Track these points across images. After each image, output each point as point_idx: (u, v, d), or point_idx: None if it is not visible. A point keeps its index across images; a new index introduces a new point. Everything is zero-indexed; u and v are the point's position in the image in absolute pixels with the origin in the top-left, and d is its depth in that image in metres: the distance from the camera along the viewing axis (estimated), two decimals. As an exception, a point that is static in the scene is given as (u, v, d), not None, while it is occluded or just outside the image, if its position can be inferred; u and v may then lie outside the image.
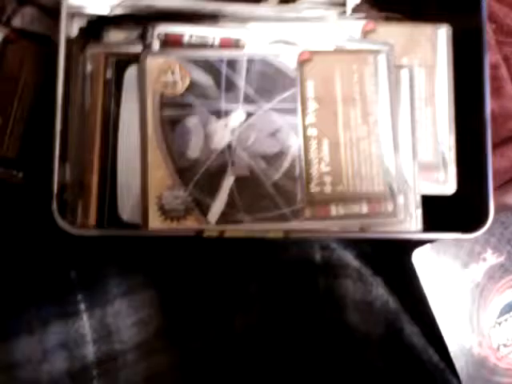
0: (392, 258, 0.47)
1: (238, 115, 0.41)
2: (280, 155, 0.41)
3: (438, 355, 0.46)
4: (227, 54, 0.42)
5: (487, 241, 0.46)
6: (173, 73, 0.41)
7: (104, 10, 0.42)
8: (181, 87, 0.41)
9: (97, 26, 0.42)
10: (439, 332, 0.45)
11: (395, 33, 0.44)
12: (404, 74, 0.43)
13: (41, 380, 0.42)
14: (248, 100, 0.41)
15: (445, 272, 0.46)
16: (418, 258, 0.46)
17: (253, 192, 0.41)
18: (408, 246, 0.46)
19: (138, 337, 0.44)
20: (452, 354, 0.45)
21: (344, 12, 0.45)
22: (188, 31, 0.42)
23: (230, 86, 0.41)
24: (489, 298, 0.46)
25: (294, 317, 0.46)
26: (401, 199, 0.41)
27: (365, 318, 0.46)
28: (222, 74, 0.41)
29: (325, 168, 0.41)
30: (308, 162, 0.41)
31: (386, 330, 0.46)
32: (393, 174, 0.41)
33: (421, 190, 0.43)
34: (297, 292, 0.46)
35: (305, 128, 0.42)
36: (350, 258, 0.47)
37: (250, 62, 0.42)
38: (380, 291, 0.47)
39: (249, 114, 0.41)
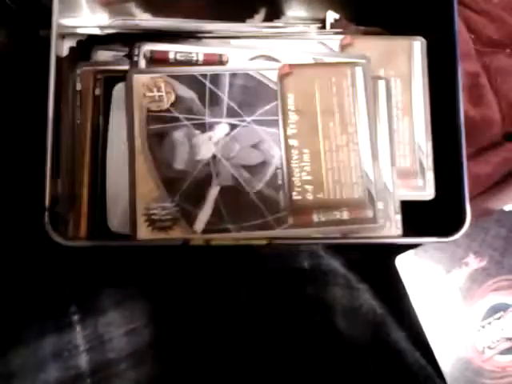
0: (377, 265, 0.48)
1: (221, 128, 0.43)
2: (263, 165, 0.42)
3: (424, 359, 0.46)
4: (210, 69, 0.43)
5: (469, 246, 0.47)
6: (158, 89, 0.42)
7: (93, 30, 0.43)
8: (166, 102, 0.42)
9: (86, 46, 0.43)
10: (425, 336, 0.46)
11: (372, 46, 0.45)
12: (381, 85, 0.44)
13: None
14: (231, 113, 0.43)
15: (428, 277, 0.47)
16: (402, 263, 0.46)
17: (237, 201, 0.42)
18: (392, 252, 0.47)
19: (130, 346, 0.44)
20: (438, 358, 0.46)
21: (323, 27, 0.47)
22: (173, 49, 0.43)
23: (214, 100, 0.43)
24: (472, 301, 0.47)
25: (283, 324, 0.46)
26: (380, 205, 0.42)
27: (352, 323, 0.47)
28: (205, 89, 0.43)
29: (306, 177, 0.42)
30: (290, 172, 0.42)
31: (372, 334, 0.47)
32: (372, 181, 0.42)
33: (400, 196, 0.44)
34: (285, 299, 0.47)
35: (286, 139, 0.43)
36: (337, 265, 0.48)
37: (233, 76, 0.43)
38: (366, 297, 0.47)
39: (232, 127, 0.43)
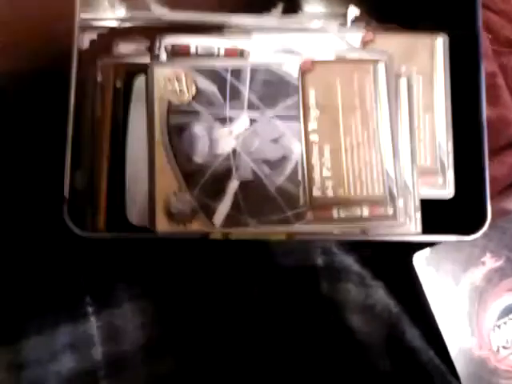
0: (393, 262, 0.47)
1: (242, 122, 0.42)
2: (283, 160, 0.42)
3: (439, 357, 0.46)
4: (232, 63, 0.43)
5: (486, 245, 0.47)
6: (179, 82, 0.42)
7: (114, 23, 0.43)
8: (187, 95, 0.42)
9: (107, 39, 0.43)
10: (440, 334, 0.45)
11: (394, 42, 0.45)
12: (403, 83, 0.44)
13: (49, 380, 0.43)
14: (252, 107, 0.42)
15: (445, 275, 0.46)
16: (419, 261, 0.46)
17: (257, 196, 0.41)
18: (408, 250, 0.46)
19: (144, 339, 0.44)
20: (452, 356, 0.45)
21: (344, 23, 0.46)
22: (194, 42, 0.43)
23: (235, 94, 0.42)
24: (488, 300, 0.46)
25: (296, 321, 0.46)
26: (400, 203, 0.42)
27: (367, 321, 0.46)
28: (226, 83, 0.42)
29: (326, 172, 0.42)
30: (310, 167, 0.42)
31: (387, 332, 0.46)
32: (392, 179, 0.42)
33: (420, 194, 0.43)
34: (299, 296, 0.46)
35: (307, 134, 0.42)
36: (351, 262, 0.47)
37: (254, 70, 0.43)
38: (381, 294, 0.47)
39: (253, 121, 0.42)
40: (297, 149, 0.42)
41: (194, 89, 0.42)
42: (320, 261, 0.47)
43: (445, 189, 0.44)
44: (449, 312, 0.45)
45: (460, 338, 0.45)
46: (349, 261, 0.47)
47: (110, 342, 0.43)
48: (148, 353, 0.44)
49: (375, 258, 0.48)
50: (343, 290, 0.46)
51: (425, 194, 0.43)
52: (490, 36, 0.54)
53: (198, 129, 0.42)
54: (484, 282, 0.46)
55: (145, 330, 0.44)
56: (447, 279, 0.46)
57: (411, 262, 0.46)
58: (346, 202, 0.41)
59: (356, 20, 0.46)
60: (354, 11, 0.46)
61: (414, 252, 0.46)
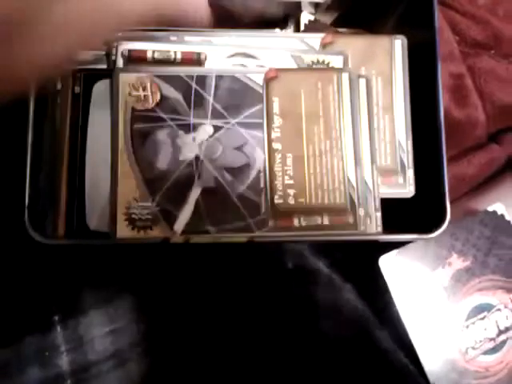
0: (361, 264, 0.46)
1: (205, 129, 0.40)
2: (246, 168, 0.40)
3: (408, 359, 0.45)
4: (197, 70, 0.41)
5: (452, 245, 0.46)
6: (144, 88, 0.40)
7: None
8: (151, 102, 0.40)
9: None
10: (408, 336, 0.44)
11: (353, 44, 0.43)
12: (362, 84, 0.42)
13: None
14: (216, 115, 0.40)
15: (412, 277, 0.45)
16: (385, 263, 0.45)
17: (218, 203, 0.40)
18: (375, 251, 0.45)
19: (112, 347, 0.42)
20: (421, 358, 0.44)
21: (298, 29, 0.45)
22: (151, 47, 0.41)
23: (199, 102, 0.40)
24: (456, 301, 0.45)
25: (267, 324, 0.45)
26: (361, 211, 0.40)
27: (336, 323, 0.45)
28: (191, 90, 0.40)
29: (288, 181, 0.40)
30: (272, 175, 0.40)
31: (356, 334, 0.45)
32: (354, 187, 0.40)
33: (380, 194, 0.41)
34: (269, 300, 0.45)
35: (270, 142, 0.40)
36: (321, 265, 0.46)
37: (219, 78, 0.41)
38: (350, 297, 0.46)
39: (216, 129, 0.40)
40: (260, 157, 0.40)
41: (158, 96, 0.40)
42: (291, 264, 0.46)
43: (405, 188, 0.42)
44: (417, 313, 0.44)
45: (428, 339, 0.44)
46: (319, 264, 0.46)
47: (77, 352, 0.42)
48: (117, 361, 0.42)
49: (344, 261, 0.46)
50: (314, 292, 0.45)
51: (385, 193, 0.42)
52: (457, 37, 0.53)
53: (162, 135, 0.40)
54: (452, 282, 0.45)
55: (113, 338, 0.43)
56: (414, 281, 0.45)
57: (378, 263, 0.44)
58: (307, 211, 0.40)
59: (312, 26, 0.45)
60: (307, 17, 0.44)
61: (380, 253, 0.45)
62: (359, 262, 0.46)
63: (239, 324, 0.44)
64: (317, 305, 0.45)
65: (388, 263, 0.45)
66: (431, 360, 0.44)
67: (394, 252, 0.45)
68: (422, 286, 0.45)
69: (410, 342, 0.44)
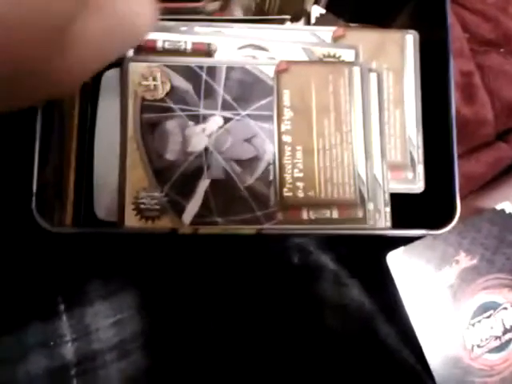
0: (367, 260, 0.45)
1: (215, 120, 0.40)
2: (255, 160, 0.39)
3: (413, 356, 0.44)
4: (207, 61, 0.40)
5: (460, 244, 0.45)
6: (154, 78, 0.40)
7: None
8: (161, 92, 0.40)
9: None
10: (414, 333, 0.43)
11: (364, 38, 0.43)
12: (373, 78, 0.42)
13: (19, 380, 0.40)
14: (226, 106, 0.40)
15: (419, 274, 0.44)
16: (392, 260, 0.44)
17: (227, 195, 0.39)
18: (382, 247, 0.44)
19: (117, 337, 0.42)
20: (427, 355, 0.43)
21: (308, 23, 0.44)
22: (161, 37, 0.40)
23: (209, 93, 0.40)
24: (462, 299, 0.44)
25: (271, 319, 0.44)
26: (371, 206, 0.39)
27: (341, 319, 0.44)
28: (201, 81, 0.40)
29: (298, 174, 0.39)
30: (282, 168, 0.40)
31: (361, 331, 0.44)
32: (364, 182, 0.39)
33: (390, 189, 0.41)
34: (274, 295, 0.44)
35: (280, 135, 0.40)
36: (326, 260, 0.46)
37: (229, 69, 0.40)
38: (356, 293, 0.45)
39: (226, 120, 0.40)
40: (269, 149, 0.40)
41: (168, 86, 0.40)
42: (296, 259, 0.45)
43: (415, 183, 0.42)
44: (423, 311, 0.43)
45: (434, 336, 0.43)
46: (325, 259, 0.45)
47: (82, 341, 0.41)
48: (121, 351, 0.42)
49: (350, 257, 0.46)
50: (319, 288, 0.45)
51: (395, 188, 0.41)
52: (466, 35, 0.53)
53: (171, 125, 0.39)
54: (458, 280, 0.44)
55: (118, 328, 0.42)
56: (421, 278, 0.44)
57: (386, 259, 0.44)
58: (316, 204, 0.39)
59: (323, 20, 0.44)
60: (318, 10, 0.43)
61: (388, 249, 0.44)
62: (366, 257, 0.46)
63: (244, 317, 0.44)
64: (323, 300, 0.44)
65: (395, 260, 0.44)
66: (436, 357, 0.43)
67: (402, 249, 0.44)
68: (429, 284, 0.44)
69: (415, 338, 0.43)
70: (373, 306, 0.45)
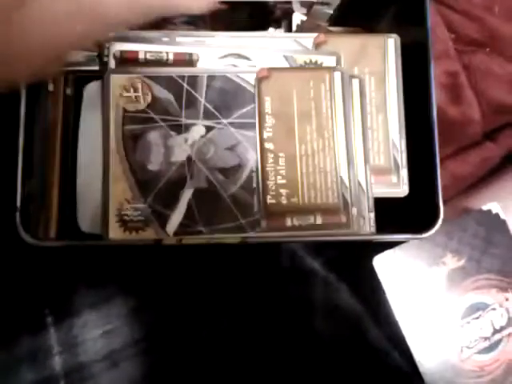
0: (356, 264, 0.45)
1: (197, 130, 0.40)
2: (238, 168, 0.39)
3: (403, 358, 0.44)
4: (188, 70, 0.40)
5: (447, 245, 0.45)
6: (135, 89, 0.40)
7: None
8: (143, 103, 0.39)
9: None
10: (403, 336, 0.43)
11: (346, 44, 0.42)
12: (355, 84, 0.41)
13: None
14: (208, 115, 0.40)
15: (406, 276, 0.44)
16: (379, 263, 0.44)
17: (211, 204, 0.39)
18: (369, 251, 0.44)
19: (105, 348, 0.42)
20: (416, 357, 0.43)
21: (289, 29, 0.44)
22: (143, 48, 0.40)
23: (191, 102, 0.40)
24: (451, 300, 0.44)
25: (263, 323, 0.44)
26: (354, 211, 0.39)
27: (331, 323, 0.44)
28: (182, 91, 0.40)
29: (281, 180, 0.39)
30: (265, 175, 0.39)
31: (351, 334, 0.44)
32: (347, 186, 0.39)
33: (374, 193, 0.40)
34: (265, 299, 0.44)
35: (262, 142, 0.40)
36: (316, 265, 0.45)
37: (211, 78, 0.40)
38: (345, 297, 0.45)
39: (208, 129, 0.40)
40: (252, 157, 0.39)
41: (149, 97, 0.39)
42: (287, 264, 0.45)
43: (399, 187, 0.42)
44: (412, 313, 0.43)
45: (424, 338, 0.43)
46: (315, 264, 0.45)
47: (69, 353, 0.41)
48: (110, 362, 0.42)
49: (339, 261, 0.46)
50: (309, 292, 0.45)
51: (379, 193, 0.41)
52: (452, 36, 0.52)
53: (154, 136, 0.39)
54: (447, 281, 0.44)
55: (107, 339, 0.42)
56: (409, 280, 0.44)
57: (372, 263, 0.44)
58: (299, 210, 0.39)
59: (302, 26, 0.44)
60: (298, 17, 0.43)
61: (375, 253, 0.44)
62: (354, 261, 0.46)
63: (234, 324, 0.44)
64: (312, 304, 0.44)
65: (382, 263, 0.44)
66: (426, 359, 0.43)
67: (389, 251, 0.44)
68: (417, 286, 0.44)
69: (404, 341, 0.43)
70: (362, 308, 0.45)
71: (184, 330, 0.43)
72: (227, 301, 0.44)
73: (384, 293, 0.43)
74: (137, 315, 0.42)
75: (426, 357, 0.43)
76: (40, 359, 0.40)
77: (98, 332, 0.42)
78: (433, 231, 0.38)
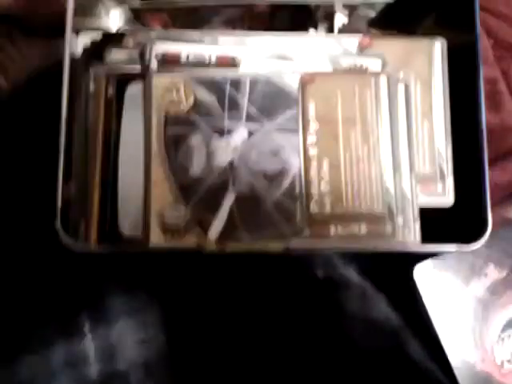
0: (394, 274, 0.44)
1: (240, 134, 0.39)
2: (281, 174, 0.38)
3: (442, 371, 0.42)
4: (231, 73, 0.39)
5: (489, 256, 0.43)
6: (178, 91, 0.39)
7: (108, 28, 0.39)
8: (185, 106, 0.38)
9: (100, 46, 0.39)
10: (442, 348, 0.42)
11: (391, 47, 0.41)
12: (400, 89, 0.40)
13: None
14: (251, 119, 0.39)
15: (446, 287, 0.43)
16: (419, 273, 0.42)
17: (253, 210, 0.38)
18: (409, 261, 0.43)
19: (141, 357, 0.40)
20: (455, 371, 0.42)
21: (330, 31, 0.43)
22: (185, 49, 0.39)
23: (233, 105, 0.39)
24: (491, 313, 0.43)
25: (297, 333, 0.43)
26: (400, 220, 0.38)
27: (367, 334, 0.43)
28: (225, 93, 0.39)
29: (325, 188, 0.38)
30: (308, 182, 0.38)
31: (388, 345, 0.43)
32: (392, 195, 0.38)
33: (419, 203, 0.39)
34: (299, 309, 0.43)
35: (306, 148, 0.39)
36: (352, 274, 0.44)
37: (254, 81, 0.39)
38: (383, 307, 0.43)
39: (251, 133, 0.39)
40: (295, 162, 0.38)
41: (192, 99, 0.38)
42: (321, 273, 0.44)
43: (444, 196, 0.40)
44: (451, 325, 0.42)
45: (463, 351, 0.42)
46: (350, 273, 0.44)
47: (107, 361, 0.40)
48: (146, 371, 0.40)
49: (376, 270, 0.44)
50: (344, 302, 0.43)
51: (423, 202, 0.40)
52: (491, 41, 0.51)
53: (196, 140, 0.38)
54: (487, 293, 0.43)
55: (143, 348, 0.41)
56: (449, 292, 0.43)
57: (412, 273, 0.42)
58: (343, 219, 0.38)
59: (344, 29, 0.43)
60: (341, 19, 0.42)
61: (415, 262, 0.42)
62: (392, 270, 0.44)
63: (268, 334, 0.42)
64: (349, 315, 0.43)
65: (422, 273, 0.43)
66: (465, 373, 0.42)
67: (429, 261, 0.43)
68: (457, 297, 0.43)
69: (443, 353, 0.42)
70: (400, 320, 0.43)
71: (221, 339, 0.42)
72: (262, 310, 0.43)
73: (423, 303, 0.42)
74: (174, 324, 0.41)
75: (465, 370, 0.42)
76: (76, 367, 0.39)
77: (135, 340, 0.41)
78: (480, 243, 0.37)
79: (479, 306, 0.43)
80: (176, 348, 0.41)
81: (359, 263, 0.44)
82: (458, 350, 0.42)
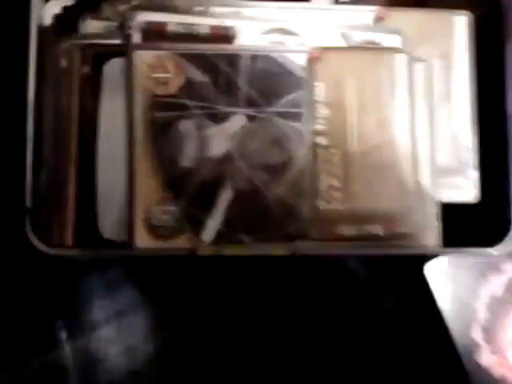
0: (406, 272, 0.41)
1: (237, 119, 0.34)
2: (284, 166, 0.33)
3: (456, 376, 0.39)
4: (227, 49, 0.34)
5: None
6: (165, 70, 0.33)
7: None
8: (174, 86, 0.33)
9: (73, 15, 0.33)
10: (454, 349, 0.39)
11: (408, 20, 0.36)
12: (419, 68, 0.35)
13: None
14: (249, 103, 0.34)
15: (460, 286, 0.40)
16: (431, 271, 0.39)
17: (253, 208, 0.33)
18: (420, 257, 0.39)
19: (126, 366, 0.37)
20: (469, 374, 0.39)
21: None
22: (173, 19, 0.34)
23: (230, 86, 0.34)
24: (509, 313, 0.40)
25: (307, 337, 0.39)
26: (419, 219, 0.33)
27: (376, 334, 0.40)
28: (220, 72, 0.33)
29: (334, 182, 0.33)
30: (315, 175, 0.33)
31: (400, 346, 0.40)
32: (411, 191, 0.33)
33: (439, 198, 0.35)
34: (307, 312, 0.40)
35: (313, 136, 0.33)
36: (361, 272, 0.41)
37: (253, 59, 0.34)
38: (390, 304, 0.41)
39: (250, 119, 0.33)
40: (301, 153, 0.34)
41: (182, 78, 0.33)
42: (329, 273, 0.40)
43: (466, 191, 0.36)
44: (466, 326, 0.39)
45: (479, 355, 0.39)
46: (359, 271, 0.41)
47: (87, 371, 0.36)
48: (130, 380, 0.37)
49: (388, 268, 0.41)
50: (353, 302, 0.40)
51: (444, 197, 0.35)
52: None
53: (186, 126, 0.33)
54: (505, 291, 0.40)
55: (127, 356, 0.37)
56: (463, 290, 0.39)
57: (423, 270, 0.39)
58: (356, 218, 0.33)
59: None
60: None
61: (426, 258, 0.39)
62: (404, 268, 0.41)
63: (274, 341, 0.39)
64: (357, 314, 0.40)
65: (435, 270, 0.39)
66: (481, 378, 0.39)
67: (442, 258, 0.39)
68: (472, 296, 0.39)
69: (455, 354, 0.39)
70: (412, 320, 0.40)
71: (217, 346, 0.38)
72: (269, 317, 0.40)
73: (435, 302, 0.39)
74: (161, 331, 0.38)
75: (480, 375, 0.39)
76: (55, 380, 0.36)
77: (118, 348, 0.37)
78: (508, 246, 0.33)
79: (496, 305, 0.40)
80: (166, 355, 0.38)
81: (368, 260, 0.41)
82: (473, 353, 0.39)
